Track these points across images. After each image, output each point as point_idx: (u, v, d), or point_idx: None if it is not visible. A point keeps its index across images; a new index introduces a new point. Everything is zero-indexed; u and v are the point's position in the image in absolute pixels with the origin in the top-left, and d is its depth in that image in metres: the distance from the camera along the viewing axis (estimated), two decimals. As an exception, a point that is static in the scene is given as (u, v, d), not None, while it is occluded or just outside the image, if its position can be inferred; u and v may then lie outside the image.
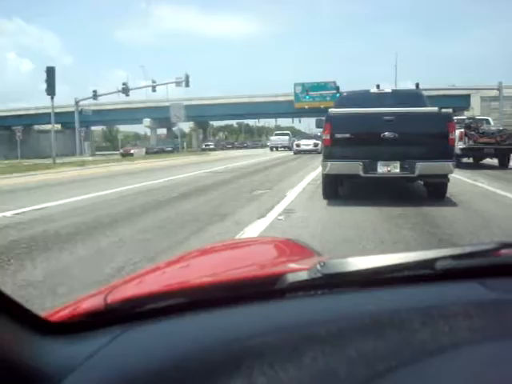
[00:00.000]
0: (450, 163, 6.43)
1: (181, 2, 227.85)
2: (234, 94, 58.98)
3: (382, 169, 6.49)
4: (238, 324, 0.63)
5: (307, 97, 52.28)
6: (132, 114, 56.80)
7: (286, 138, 43.90)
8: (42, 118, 49.72)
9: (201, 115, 58.58)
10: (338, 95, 37.05)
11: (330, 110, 7.05)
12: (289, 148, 39.88)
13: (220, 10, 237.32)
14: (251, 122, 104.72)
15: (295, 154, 28.69)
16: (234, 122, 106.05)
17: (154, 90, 42.71)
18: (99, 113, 53.37)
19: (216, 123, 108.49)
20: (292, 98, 53.94)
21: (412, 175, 6.47)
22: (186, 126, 74.80)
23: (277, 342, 0.57)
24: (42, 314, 0.65)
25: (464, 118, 15.99)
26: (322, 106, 46.18)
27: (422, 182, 7.44)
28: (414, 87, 29.78)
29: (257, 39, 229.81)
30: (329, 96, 48.56)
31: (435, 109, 6.81)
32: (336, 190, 7.23)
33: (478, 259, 0.71)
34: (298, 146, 30.32)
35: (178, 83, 39.75)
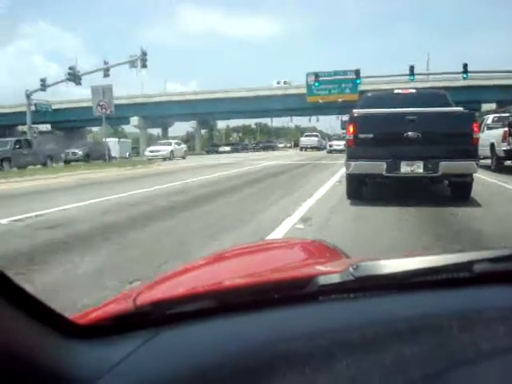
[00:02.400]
0: (474, 162, 6.51)
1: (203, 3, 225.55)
2: (238, 87, 52.47)
3: (406, 168, 6.58)
4: (270, 328, 0.62)
5: (319, 86, 42.54)
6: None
7: (316, 139, 48.91)
8: (20, 117, 41.91)
9: (202, 112, 52.07)
10: (358, 82, 35.14)
11: (353, 110, 7.14)
12: (317, 148, 45.62)
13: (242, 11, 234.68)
14: (269, 122, 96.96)
15: (328, 152, 34.92)
16: (252, 123, 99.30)
17: (106, 74, 30.97)
18: (71, 111, 47.91)
19: (231, 123, 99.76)
20: (304, 90, 45.66)
21: (435, 174, 6.55)
22: (188, 126, 67.04)
23: (309, 348, 0.56)
24: (71, 316, 0.64)
25: (508, 115, 13.34)
26: (339, 100, 42.81)
27: (446, 182, 7.49)
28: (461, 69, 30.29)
29: (278, 39, 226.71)
30: (348, 88, 43.31)
31: (459, 108, 6.89)
32: (360, 190, 7.33)
33: None
34: (330, 146, 37.27)
35: (132, 63, 30.51)
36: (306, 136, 50.84)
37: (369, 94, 8.37)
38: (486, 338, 0.54)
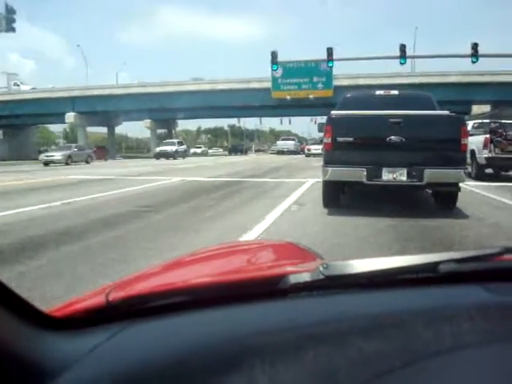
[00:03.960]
0: (462, 171, 6.02)
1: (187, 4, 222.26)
2: (191, 79, 45.16)
3: (388, 176, 6.04)
4: (240, 323, 0.62)
5: (286, 78, 38.43)
6: (46, 106, 42.26)
7: (292, 142, 48.16)
8: None
9: (153, 108, 43.39)
10: (331, 64, 27.78)
11: (331, 112, 6.53)
12: (294, 152, 44.06)
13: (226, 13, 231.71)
14: (244, 124, 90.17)
15: (307, 156, 34.28)
16: (225, 124, 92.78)
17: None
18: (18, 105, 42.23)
19: (203, 125, 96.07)
20: (269, 84, 39.04)
21: (420, 183, 6.02)
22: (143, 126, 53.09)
23: (278, 342, 0.56)
24: (45, 309, 0.64)
25: (488, 121, 12.98)
26: (311, 97, 37.92)
27: (430, 191, 7.04)
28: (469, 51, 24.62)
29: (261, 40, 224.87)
30: (321, 82, 38.11)
31: (446, 112, 6.40)
32: (337, 198, 6.80)
33: (481, 263, 0.71)
34: (309, 150, 36.98)
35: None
36: (283, 140, 50.70)
37: (348, 95, 7.81)
38: (449, 335, 0.56)
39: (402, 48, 26.71)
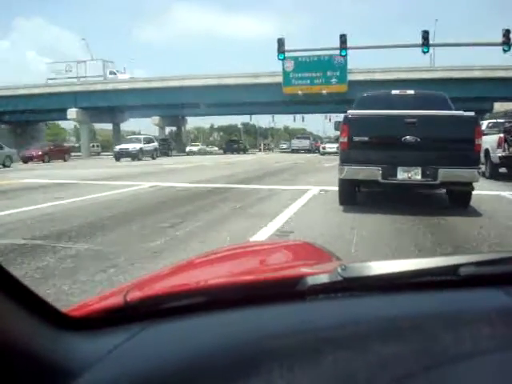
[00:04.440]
0: (475, 171, 6.14)
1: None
2: (196, 74, 41.32)
3: (403, 175, 6.16)
4: (257, 325, 0.62)
5: (298, 72, 36.50)
6: (47, 101, 39.86)
7: (307, 141, 48.34)
8: None
9: (159, 104, 41.15)
10: (344, 53, 26.76)
11: (348, 111, 6.67)
12: (308, 151, 44.97)
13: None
14: (258, 122, 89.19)
15: (321, 155, 34.38)
16: (238, 122, 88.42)
17: None
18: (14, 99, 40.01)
19: (216, 123, 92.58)
20: (280, 79, 37.01)
21: (434, 182, 6.15)
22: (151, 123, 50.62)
23: (296, 345, 0.56)
24: (64, 309, 0.64)
25: (502, 121, 13.08)
26: (324, 93, 36.12)
27: (444, 190, 7.16)
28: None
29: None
30: (335, 77, 36.12)
31: (461, 112, 6.48)
32: (353, 196, 6.94)
33: (501, 266, 0.70)
34: (324, 148, 37.73)
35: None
36: (298, 138, 51.00)
37: (364, 94, 7.91)
38: (469, 339, 0.55)
39: (425, 35, 24.51)
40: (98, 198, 8.31)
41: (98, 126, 59.15)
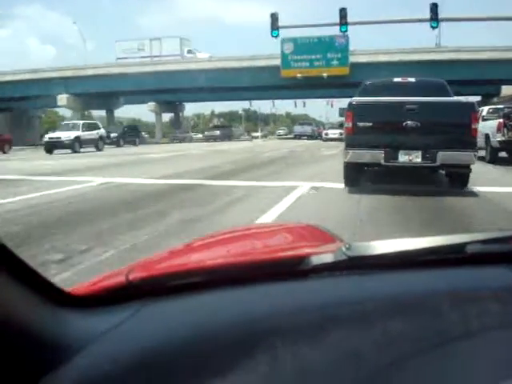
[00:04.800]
0: (472, 153, 6.55)
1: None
2: (190, 57, 39.75)
3: (404, 158, 6.61)
4: (261, 303, 0.62)
5: (297, 54, 34.68)
6: (37, 87, 37.34)
7: (309, 127, 47.04)
8: None
9: (155, 89, 38.52)
10: (344, 29, 26.26)
11: (352, 98, 7.10)
12: (311, 137, 43.53)
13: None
14: (260, 107, 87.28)
15: (324, 141, 33.11)
16: (239, 108, 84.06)
17: None
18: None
19: (217, 109, 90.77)
20: (278, 62, 35.08)
21: (433, 164, 6.60)
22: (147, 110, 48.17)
23: (300, 322, 0.56)
24: (66, 288, 0.65)
25: (502, 106, 13.89)
26: (324, 75, 34.03)
27: (443, 172, 7.58)
28: None
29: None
30: (336, 59, 34.24)
31: (459, 98, 6.95)
32: (357, 178, 7.36)
33: (508, 244, 0.70)
34: (326, 134, 36.24)
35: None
36: (300, 124, 50.22)
37: (367, 82, 8.30)
38: (476, 317, 0.55)
39: (433, 9, 22.85)
40: (16, 202, 6.48)
41: (97, 113, 55.37)
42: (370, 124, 6.69)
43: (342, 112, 7.77)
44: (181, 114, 55.42)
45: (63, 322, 0.58)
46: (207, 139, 43.59)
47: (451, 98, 7.12)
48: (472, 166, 6.68)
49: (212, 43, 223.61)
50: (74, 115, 39.32)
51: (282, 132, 65.15)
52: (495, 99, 29.99)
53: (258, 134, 58.88)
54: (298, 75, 34.86)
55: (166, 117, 53.07)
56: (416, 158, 6.57)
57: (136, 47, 44.43)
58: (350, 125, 6.76)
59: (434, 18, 22.93)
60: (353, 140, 6.77)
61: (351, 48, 34.43)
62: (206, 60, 38.54)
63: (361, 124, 6.69)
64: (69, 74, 38.34)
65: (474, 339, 0.52)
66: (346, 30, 27.92)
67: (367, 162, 6.93)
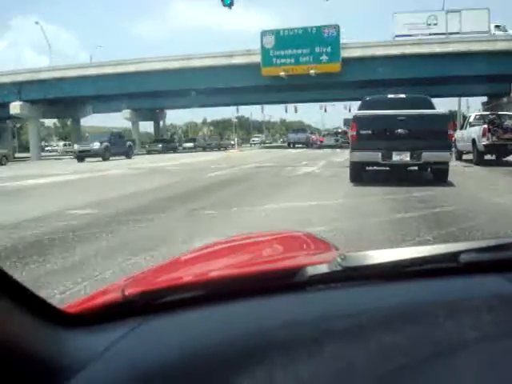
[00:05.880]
0: (448, 153, 8.88)
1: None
2: (158, 56, 33.11)
3: (396, 157, 8.77)
4: (257, 317, 0.62)
5: (279, 49, 29.62)
6: None
7: (304, 135, 44.55)
8: None
9: (119, 94, 33.73)
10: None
11: (355, 112, 9.46)
12: (306, 145, 41.11)
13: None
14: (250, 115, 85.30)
15: (319, 148, 34.67)
16: (233, 116, 77.89)
17: None
18: None
19: (209, 117, 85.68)
20: (258, 58, 29.97)
21: (419, 162, 8.75)
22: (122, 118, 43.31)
23: (297, 336, 0.56)
24: (61, 306, 0.64)
25: (487, 113, 16.11)
26: (312, 73, 28.98)
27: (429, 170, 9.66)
28: None
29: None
30: (325, 53, 29.22)
31: (438, 110, 9.17)
32: (361, 174, 9.40)
33: (502, 252, 0.69)
34: (321, 141, 39.94)
35: None
36: (294, 131, 47.85)
37: (367, 98, 10.31)
38: (471, 327, 0.55)
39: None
40: None
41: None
42: (370, 131, 8.82)
43: (346, 122, 10.16)
44: (161, 123, 50.77)
45: (59, 342, 0.57)
46: (148, 152, 38.80)
47: (433, 111, 9.21)
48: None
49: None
50: (30, 124, 35.55)
51: (256, 140, 62.59)
52: (505, 99, 28.11)
53: (234, 141, 52.62)
54: (282, 73, 29.85)
55: (150, 126, 49.05)
56: (405, 157, 8.72)
57: (425, 21, 30.76)
58: (354, 132, 8.94)
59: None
60: (357, 144, 8.84)
61: (343, 40, 29.64)
62: (177, 58, 32.51)
63: (363, 132, 8.81)
64: (20, 78, 33.67)
65: (468, 349, 0.52)
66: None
67: (368, 161, 9.11)
